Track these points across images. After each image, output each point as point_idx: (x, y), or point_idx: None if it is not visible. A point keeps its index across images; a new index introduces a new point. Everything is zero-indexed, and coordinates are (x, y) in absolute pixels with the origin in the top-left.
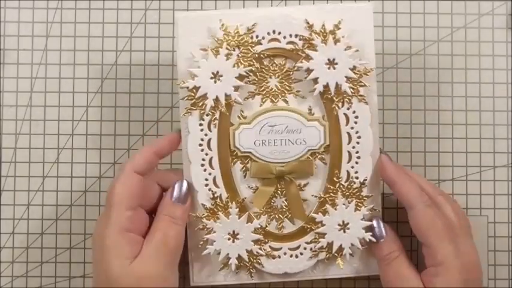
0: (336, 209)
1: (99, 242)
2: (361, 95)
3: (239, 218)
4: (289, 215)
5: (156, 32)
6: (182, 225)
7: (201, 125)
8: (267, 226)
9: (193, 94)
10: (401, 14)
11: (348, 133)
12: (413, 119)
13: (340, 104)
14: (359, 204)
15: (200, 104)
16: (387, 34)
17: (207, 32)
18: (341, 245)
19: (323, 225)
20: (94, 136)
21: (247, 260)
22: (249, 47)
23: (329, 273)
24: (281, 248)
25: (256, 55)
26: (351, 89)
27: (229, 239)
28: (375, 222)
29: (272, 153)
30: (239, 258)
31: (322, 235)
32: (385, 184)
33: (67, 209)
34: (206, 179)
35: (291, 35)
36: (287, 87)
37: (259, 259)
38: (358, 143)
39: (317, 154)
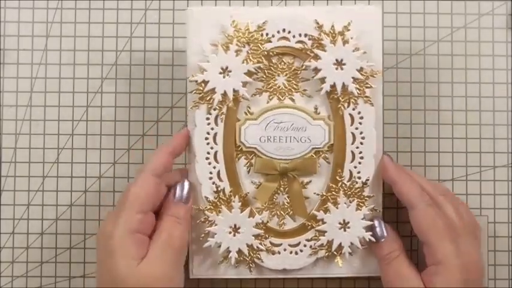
0: (337, 208)
1: (105, 241)
2: (367, 97)
3: (241, 212)
4: (291, 212)
5: (156, 32)
6: (186, 225)
7: (207, 119)
8: (268, 222)
9: (201, 88)
10: (401, 14)
11: (353, 133)
12: (413, 119)
13: (346, 105)
14: (360, 203)
15: (208, 98)
16: (387, 34)
17: (218, 28)
18: (341, 244)
19: (324, 223)
20: (94, 136)
21: (247, 255)
22: (259, 44)
23: (328, 272)
24: (281, 244)
25: (266, 52)
26: (357, 90)
27: (230, 233)
28: (376, 222)
29: (277, 149)
30: (239, 252)
31: (323, 233)
32: (385, 184)
33: (67, 209)
34: (210, 173)
35: (300, 34)
36: (294, 86)
37: (259, 254)
38: (361, 143)
39: (321, 153)
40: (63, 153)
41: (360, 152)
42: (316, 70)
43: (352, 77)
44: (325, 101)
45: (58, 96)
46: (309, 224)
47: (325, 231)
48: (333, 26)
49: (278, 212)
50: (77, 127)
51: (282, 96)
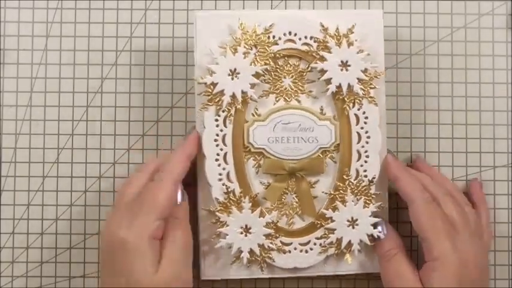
0: (345, 206)
1: (120, 246)
2: (371, 97)
3: (252, 213)
4: (300, 211)
5: (156, 32)
6: (187, 224)
7: (216, 120)
8: (278, 221)
9: (210, 90)
10: (401, 14)
11: (358, 133)
12: (413, 119)
13: (351, 105)
14: (367, 201)
15: (217, 100)
16: (387, 34)
17: (226, 31)
18: (350, 241)
19: (333, 221)
20: (94, 136)
21: (259, 254)
22: (266, 47)
23: (338, 269)
24: (291, 243)
25: (272, 55)
26: (362, 91)
27: (241, 233)
28: (377, 221)
29: (285, 150)
30: (251, 252)
31: (332, 231)
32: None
33: (67, 209)
34: (220, 174)
35: (306, 37)
36: (300, 87)
37: (270, 253)
38: (367, 142)
39: (328, 152)
40: (63, 153)
41: (366, 151)
42: (322, 71)
43: (357, 78)
44: (330, 101)
45: (58, 96)
46: (318, 222)
47: (334, 229)
48: (337, 29)
49: (287, 212)
50: (77, 127)
51: (289, 98)
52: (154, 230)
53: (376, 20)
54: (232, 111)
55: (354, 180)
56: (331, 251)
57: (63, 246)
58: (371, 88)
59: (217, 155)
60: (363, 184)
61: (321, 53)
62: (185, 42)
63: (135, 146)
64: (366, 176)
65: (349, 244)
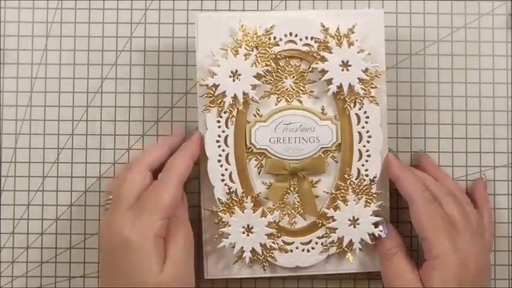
0: (346, 205)
1: (124, 245)
2: (372, 96)
3: (254, 213)
4: (301, 211)
5: (156, 32)
6: (187, 222)
7: (218, 121)
8: (280, 221)
9: (212, 92)
10: (401, 14)
11: (359, 132)
12: (413, 119)
13: (352, 105)
14: (368, 200)
15: (219, 102)
16: (387, 34)
17: (227, 32)
18: (351, 240)
19: (334, 220)
20: (94, 136)
21: (261, 254)
22: (267, 48)
23: (339, 268)
24: (293, 242)
25: (273, 56)
26: (363, 90)
27: (243, 233)
28: (378, 220)
29: (286, 150)
30: (253, 251)
31: (333, 230)
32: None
33: (67, 209)
34: (222, 174)
35: (307, 38)
36: (301, 88)
37: (272, 253)
38: (368, 142)
39: (329, 152)
40: (63, 153)
41: (367, 151)
42: (323, 72)
43: (358, 78)
44: (331, 101)
45: (58, 96)
46: (320, 221)
47: (336, 228)
48: (338, 29)
49: (289, 211)
50: (77, 127)
51: (290, 98)
52: (159, 229)
53: (376, 19)
54: (234, 113)
55: (355, 179)
56: (333, 250)
57: (63, 246)
58: (372, 88)
59: (220, 155)
60: (364, 183)
61: (322, 53)
62: (185, 42)
63: (135, 146)
64: (367, 176)
65: (351, 243)
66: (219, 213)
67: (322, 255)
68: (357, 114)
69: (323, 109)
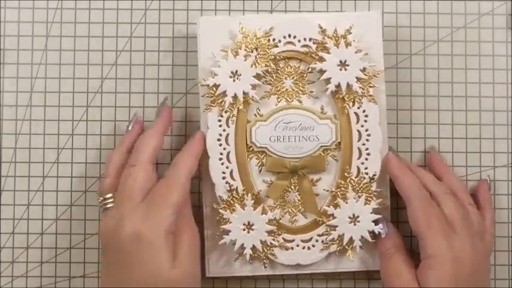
0: (346, 203)
1: (133, 239)
2: (370, 95)
3: (254, 210)
4: (302, 209)
5: (156, 32)
6: (192, 219)
7: (219, 121)
8: (280, 219)
9: (213, 92)
10: (401, 14)
11: (358, 131)
12: (413, 119)
13: (350, 104)
14: (368, 198)
15: (219, 101)
16: (387, 34)
17: (228, 35)
18: (351, 238)
19: (334, 217)
20: (94, 136)
21: (262, 251)
22: (266, 49)
23: (340, 266)
24: (294, 240)
25: (273, 57)
26: (361, 89)
27: (244, 230)
28: (379, 218)
29: (286, 148)
30: (253, 248)
31: (334, 227)
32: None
33: (67, 209)
34: (223, 172)
35: (305, 39)
36: (301, 88)
37: (272, 250)
38: (367, 140)
39: (329, 151)
40: (63, 153)
41: (367, 149)
42: (322, 71)
43: (356, 77)
44: (330, 101)
45: (58, 96)
46: (320, 219)
47: (336, 226)
48: (335, 30)
49: (290, 210)
50: (77, 127)
51: (290, 98)
52: (170, 225)
53: (374, 20)
54: (235, 112)
55: (355, 177)
56: (333, 247)
57: (63, 246)
58: (370, 87)
59: (221, 154)
60: (364, 181)
61: (320, 53)
62: (185, 42)
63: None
64: (366, 174)
65: (351, 241)
66: (220, 211)
67: (323, 252)
68: (355, 113)
69: (322, 108)
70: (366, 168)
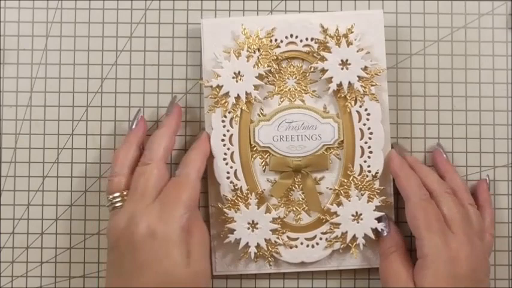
0: (349, 201)
1: (147, 236)
2: (372, 94)
3: (258, 209)
4: (306, 207)
5: (156, 32)
6: (200, 216)
7: (223, 121)
8: (284, 217)
9: (216, 93)
10: (401, 14)
11: (361, 129)
12: (414, 119)
13: (352, 102)
14: (371, 196)
15: (223, 102)
16: (387, 34)
17: (230, 36)
18: (355, 235)
19: (338, 215)
20: (94, 136)
21: (266, 249)
22: (268, 50)
23: (343, 264)
24: (298, 238)
25: (275, 57)
26: (363, 88)
27: (248, 228)
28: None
29: (289, 148)
30: (258, 246)
31: (337, 225)
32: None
33: (67, 209)
34: (228, 172)
35: (307, 39)
36: (304, 88)
37: (277, 248)
38: (370, 138)
39: (332, 149)
40: (63, 153)
41: (369, 147)
42: (323, 71)
43: (358, 76)
44: (333, 100)
45: (58, 96)
46: (324, 217)
47: (339, 224)
48: (337, 29)
49: (294, 208)
50: (77, 127)
51: (293, 98)
52: (185, 222)
53: (376, 19)
54: (238, 112)
55: (358, 175)
56: (337, 245)
57: (63, 246)
58: (372, 85)
59: (225, 154)
60: (367, 179)
61: (322, 53)
62: (185, 42)
63: None
64: (369, 172)
65: (354, 238)
66: (225, 210)
67: (327, 250)
68: (358, 112)
69: (325, 107)
70: (368, 166)
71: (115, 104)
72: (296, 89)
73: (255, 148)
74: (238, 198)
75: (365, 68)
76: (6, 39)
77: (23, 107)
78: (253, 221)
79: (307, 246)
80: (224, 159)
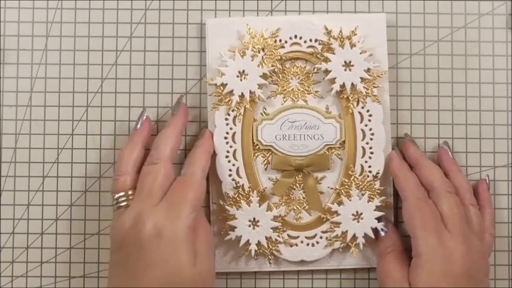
0: (350, 200)
1: (153, 235)
2: (374, 95)
3: (259, 207)
4: (307, 206)
5: (156, 32)
6: (207, 221)
7: (226, 119)
8: (285, 215)
9: (220, 91)
10: (401, 14)
11: (362, 130)
12: (414, 119)
13: (355, 103)
14: (372, 196)
15: (227, 100)
16: (387, 34)
17: (235, 35)
18: (355, 234)
19: (338, 214)
20: (94, 136)
21: (266, 247)
22: (273, 50)
23: (343, 263)
24: (298, 237)
25: (279, 57)
26: (365, 89)
27: (249, 226)
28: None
29: (292, 147)
30: (258, 244)
31: (337, 224)
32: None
33: (67, 209)
34: (230, 170)
35: (311, 40)
36: (307, 88)
37: (277, 246)
38: (371, 139)
39: (333, 149)
40: (63, 153)
41: (370, 148)
42: (327, 72)
43: (360, 77)
44: (335, 100)
45: (58, 96)
46: (324, 216)
47: (340, 223)
48: (341, 31)
49: (295, 207)
50: (77, 127)
51: (296, 98)
52: (192, 222)
53: (378, 22)
54: (242, 111)
55: (359, 175)
56: (337, 244)
57: (63, 246)
58: (374, 87)
59: (227, 152)
60: (368, 179)
61: (325, 54)
62: (185, 42)
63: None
64: (370, 172)
65: (354, 237)
66: (226, 207)
67: (327, 249)
68: (360, 113)
69: (327, 108)
70: (369, 167)
71: (115, 104)
72: (299, 89)
73: (257, 146)
74: (240, 195)
75: (368, 70)
76: (6, 39)
77: (23, 107)
78: (254, 219)
79: (308, 244)
80: (226, 156)
